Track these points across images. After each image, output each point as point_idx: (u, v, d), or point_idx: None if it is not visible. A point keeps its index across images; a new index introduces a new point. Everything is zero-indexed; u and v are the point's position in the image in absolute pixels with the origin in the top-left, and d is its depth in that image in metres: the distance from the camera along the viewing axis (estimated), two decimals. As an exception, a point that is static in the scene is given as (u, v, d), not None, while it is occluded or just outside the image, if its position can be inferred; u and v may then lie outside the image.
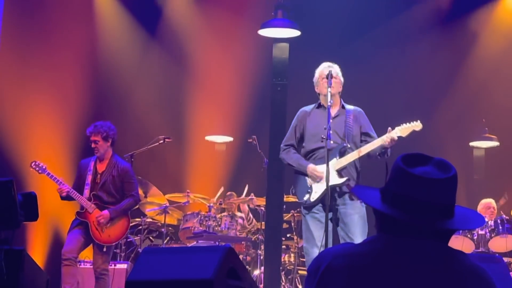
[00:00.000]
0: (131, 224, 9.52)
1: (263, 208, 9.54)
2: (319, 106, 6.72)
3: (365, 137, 6.64)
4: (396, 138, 6.40)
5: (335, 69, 6.66)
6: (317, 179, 6.50)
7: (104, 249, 7.68)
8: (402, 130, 6.46)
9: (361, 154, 6.49)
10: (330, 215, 6.39)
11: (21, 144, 10.22)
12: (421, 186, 2.17)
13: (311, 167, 6.55)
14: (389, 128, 6.47)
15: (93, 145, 7.77)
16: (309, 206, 6.56)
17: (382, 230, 2.24)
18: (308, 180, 6.58)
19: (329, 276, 2.16)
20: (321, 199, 6.47)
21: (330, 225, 6.37)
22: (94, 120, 8.09)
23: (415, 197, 2.17)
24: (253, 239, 9.93)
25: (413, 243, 2.18)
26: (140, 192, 9.85)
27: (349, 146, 6.54)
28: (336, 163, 6.43)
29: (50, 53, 10.65)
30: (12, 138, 10.24)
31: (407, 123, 6.50)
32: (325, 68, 6.64)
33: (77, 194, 7.68)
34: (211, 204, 9.79)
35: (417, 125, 6.50)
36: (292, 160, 6.71)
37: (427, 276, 2.13)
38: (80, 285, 7.96)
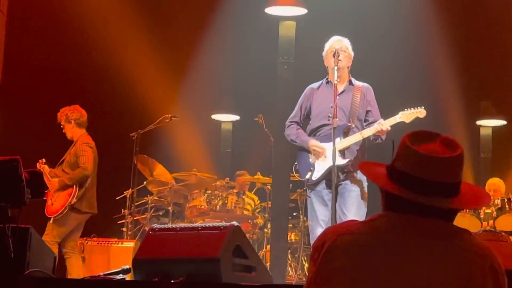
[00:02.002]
0: (138, 203, 9.59)
1: (269, 187, 9.55)
2: (327, 82, 6.68)
3: (368, 116, 6.61)
4: (386, 129, 6.37)
5: (345, 43, 6.61)
6: (319, 155, 6.48)
7: (51, 221, 7.81)
8: (406, 116, 6.43)
9: (363, 137, 6.47)
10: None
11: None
12: (427, 164, 2.16)
13: (312, 142, 6.53)
14: (381, 119, 6.43)
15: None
16: (312, 184, 6.56)
17: (387, 208, 2.24)
18: (311, 158, 6.57)
19: (333, 253, 2.16)
20: (326, 177, 6.46)
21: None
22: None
23: (420, 175, 2.16)
24: (259, 218, 9.95)
25: (418, 221, 2.17)
26: (146, 170, 9.88)
27: (353, 125, 6.52)
28: (339, 143, 6.40)
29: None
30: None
31: (411, 109, 6.46)
32: (334, 42, 6.59)
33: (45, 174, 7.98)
34: (218, 183, 9.80)
35: (420, 112, 6.46)
36: (295, 135, 6.70)
37: (431, 254, 2.12)
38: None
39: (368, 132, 6.46)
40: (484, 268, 2.14)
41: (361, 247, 2.14)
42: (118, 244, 8.28)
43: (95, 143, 8.21)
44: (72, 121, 8.10)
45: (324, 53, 6.66)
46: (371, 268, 2.11)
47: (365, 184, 6.47)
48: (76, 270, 7.87)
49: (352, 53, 6.63)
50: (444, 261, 2.11)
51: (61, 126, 8.18)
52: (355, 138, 6.46)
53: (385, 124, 6.38)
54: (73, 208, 7.89)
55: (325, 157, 6.46)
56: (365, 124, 6.57)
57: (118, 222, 9.72)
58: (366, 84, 6.70)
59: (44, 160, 8.14)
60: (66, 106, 8.32)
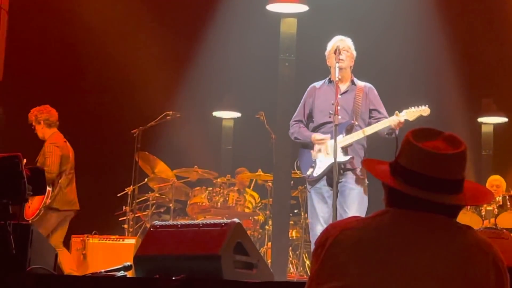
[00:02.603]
0: (139, 200, 9.59)
1: (270, 184, 9.55)
2: (329, 81, 6.70)
3: (374, 114, 6.62)
4: (403, 121, 6.39)
5: (347, 43, 6.62)
6: (321, 146, 6.49)
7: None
8: (410, 114, 6.45)
9: (365, 134, 6.47)
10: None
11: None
12: (430, 160, 2.16)
13: (314, 136, 6.55)
14: (396, 111, 6.45)
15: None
16: (313, 181, 6.56)
17: (390, 204, 2.24)
18: (313, 154, 6.58)
19: (336, 249, 2.16)
20: (327, 174, 6.47)
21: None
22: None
23: (423, 171, 2.16)
24: (260, 215, 9.96)
25: (421, 217, 2.17)
26: (148, 167, 9.89)
27: (356, 123, 6.53)
28: (342, 140, 6.41)
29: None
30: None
31: (415, 107, 6.48)
32: (336, 41, 6.61)
33: None
34: (219, 180, 9.81)
35: (424, 110, 6.48)
36: (298, 133, 6.72)
37: (434, 250, 2.12)
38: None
39: (371, 129, 6.46)
40: (487, 264, 2.14)
41: (364, 243, 2.15)
42: (119, 241, 8.29)
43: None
44: (42, 121, 8.16)
45: (326, 53, 6.68)
46: (374, 264, 2.11)
47: (366, 182, 6.47)
48: (67, 264, 7.87)
49: (354, 53, 6.64)
50: (447, 257, 2.11)
51: (32, 127, 8.22)
52: (357, 135, 6.47)
53: (402, 116, 6.38)
54: (51, 208, 7.91)
55: (327, 153, 6.47)
56: (373, 120, 6.56)
57: (120, 219, 9.73)
58: (368, 84, 6.71)
59: (25, 161, 8.12)
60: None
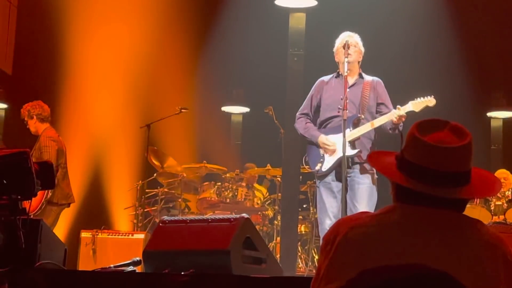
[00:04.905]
0: (148, 195, 9.60)
1: (279, 179, 9.55)
2: (338, 75, 6.70)
3: (381, 108, 6.62)
4: (404, 114, 6.38)
5: (355, 38, 6.63)
6: (328, 151, 6.51)
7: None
8: (416, 105, 6.45)
9: (374, 126, 6.48)
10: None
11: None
12: (435, 154, 2.14)
13: (321, 139, 6.55)
14: (398, 106, 6.45)
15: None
16: (322, 176, 6.57)
17: (398, 199, 2.23)
18: (321, 150, 6.58)
19: (345, 246, 2.15)
20: (335, 169, 6.47)
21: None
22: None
23: (428, 165, 2.14)
24: (269, 210, 9.96)
25: (429, 213, 2.16)
26: (157, 162, 9.90)
27: (363, 117, 6.52)
28: (349, 134, 6.41)
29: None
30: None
31: (421, 98, 6.48)
32: (345, 37, 6.61)
33: None
34: (228, 175, 9.81)
35: (430, 101, 6.48)
36: (304, 129, 6.72)
37: (443, 245, 2.11)
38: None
39: (379, 121, 6.46)
40: (497, 258, 2.13)
41: (372, 241, 2.13)
42: (128, 236, 8.30)
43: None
44: (34, 116, 8.19)
45: (334, 49, 6.68)
46: (383, 262, 2.10)
47: (376, 175, 6.47)
48: None
49: (362, 49, 6.65)
50: (457, 252, 2.10)
51: (24, 122, 8.26)
52: (365, 128, 6.47)
53: (402, 110, 6.37)
54: (50, 202, 7.94)
55: (335, 149, 6.47)
56: (377, 116, 6.57)
57: (129, 214, 9.75)
58: (376, 78, 6.71)
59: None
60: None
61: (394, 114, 6.39)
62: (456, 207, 2.19)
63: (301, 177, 8.99)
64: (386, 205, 2.25)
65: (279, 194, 9.51)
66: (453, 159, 2.15)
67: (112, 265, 4.53)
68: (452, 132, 2.19)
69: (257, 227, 9.04)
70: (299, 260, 9.40)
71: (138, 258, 4.50)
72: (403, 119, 6.40)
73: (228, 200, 9.48)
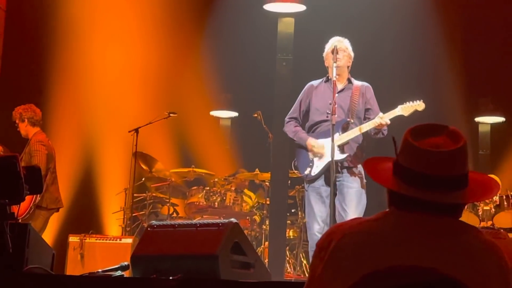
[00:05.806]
0: (136, 199, 9.59)
1: (267, 184, 9.55)
2: (327, 80, 6.72)
3: (368, 113, 6.65)
4: (386, 122, 6.41)
5: (345, 43, 6.66)
6: (317, 155, 6.53)
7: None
8: (405, 109, 6.48)
9: (362, 131, 6.50)
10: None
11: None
12: (427, 159, 2.14)
13: (310, 143, 6.57)
14: (380, 113, 6.47)
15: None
16: (311, 180, 6.58)
17: (392, 205, 2.22)
18: (310, 154, 6.60)
19: (339, 253, 2.14)
20: (324, 173, 6.48)
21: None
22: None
23: (421, 170, 2.14)
24: (257, 215, 9.95)
25: (423, 219, 2.15)
26: (145, 167, 9.88)
27: (352, 121, 6.55)
28: (338, 138, 6.44)
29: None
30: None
31: (410, 102, 6.51)
32: (334, 42, 6.64)
33: None
34: (216, 179, 9.80)
35: (419, 105, 6.51)
36: (292, 133, 6.74)
37: (439, 251, 2.11)
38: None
39: (367, 126, 6.48)
40: (491, 264, 2.13)
41: (367, 247, 2.13)
42: (116, 240, 8.28)
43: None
44: (26, 119, 8.22)
45: (324, 54, 6.71)
46: (378, 267, 2.09)
47: (364, 179, 6.49)
48: None
49: (352, 54, 6.68)
50: (451, 258, 2.10)
51: (15, 125, 8.28)
52: (353, 133, 6.49)
53: (384, 118, 6.41)
54: (39, 206, 7.92)
55: (324, 153, 6.49)
56: (365, 121, 6.59)
57: (117, 219, 9.73)
58: (365, 83, 6.74)
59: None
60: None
61: (376, 122, 6.42)
62: (451, 212, 2.18)
63: (289, 182, 8.99)
64: (374, 209, 2.24)
65: (268, 198, 9.50)
66: (445, 162, 2.14)
67: (100, 270, 4.52)
68: (447, 136, 2.18)
69: (245, 231, 9.04)
70: (287, 264, 9.40)
71: (126, 263, 4.49)
72: (384, 127, 6.43)
73: (216, 205, 9.47)
